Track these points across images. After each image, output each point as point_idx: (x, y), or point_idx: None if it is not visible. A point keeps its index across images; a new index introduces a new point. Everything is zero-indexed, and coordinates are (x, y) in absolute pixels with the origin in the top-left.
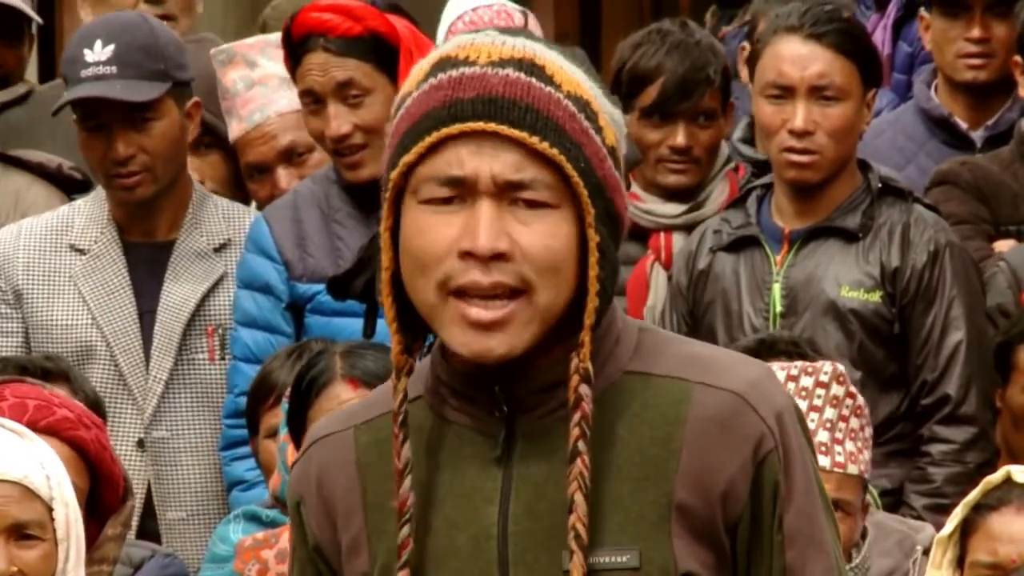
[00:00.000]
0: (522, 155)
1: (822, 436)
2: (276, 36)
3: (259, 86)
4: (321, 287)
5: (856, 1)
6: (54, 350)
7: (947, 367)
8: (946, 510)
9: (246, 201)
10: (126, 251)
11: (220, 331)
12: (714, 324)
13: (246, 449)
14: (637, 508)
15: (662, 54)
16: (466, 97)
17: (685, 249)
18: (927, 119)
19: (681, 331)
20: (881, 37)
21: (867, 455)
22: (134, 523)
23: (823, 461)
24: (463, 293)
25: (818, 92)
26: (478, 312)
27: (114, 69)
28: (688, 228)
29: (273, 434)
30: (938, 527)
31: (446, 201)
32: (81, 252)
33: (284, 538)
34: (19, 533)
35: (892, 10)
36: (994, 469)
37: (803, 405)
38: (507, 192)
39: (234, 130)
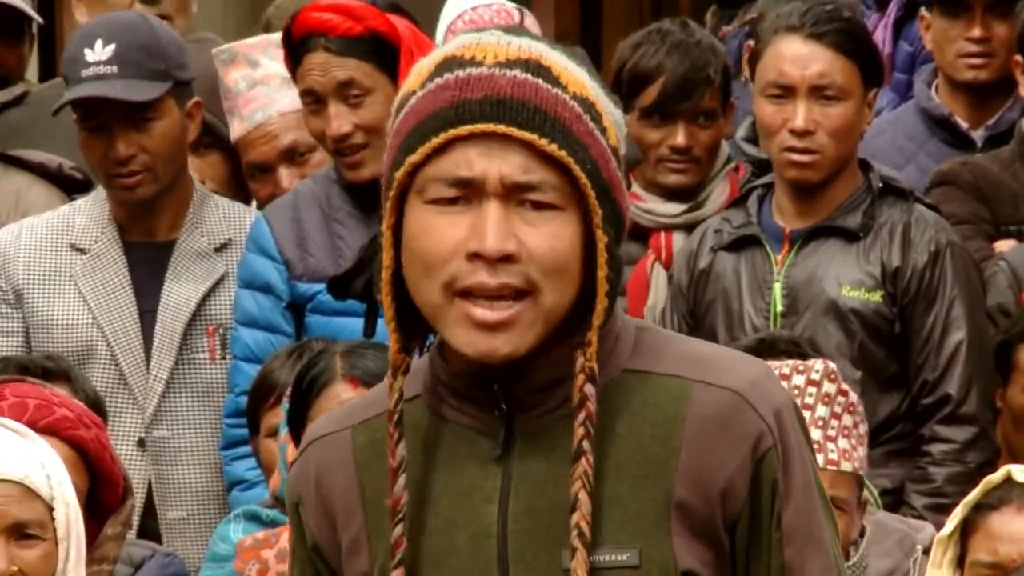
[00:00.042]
0: (529, 157)
1: (815, 434)
2: (278, 36)
3: (261, 86)
4: (321, 287)
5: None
6: (55, 350)
7: (948, 367)
8: (946, 510)
9: (246, 201)
10: (127, 251)
11: (221, 331)
12: (715, 324)
13: (246, 449)
14: (636, 506)
15: (662, 54)
16: (474, 98)
17: (686, 249)
18: (927, 119)
19: (682, 330)
20: (882, 36)
21: (862, 452)
22: (134, 522)
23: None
24: (468, 294)
25: (819, 92)
26: (483, 312)
27: (115, 69)
28: (688, 228)
29: (274, 434)
30: (938, 527)
31: (452, 201)
32: (82, 252)
33: (284, 538)
34: (19, 533)
35: (893, 9)
36: (994, 469)
37: None
38: (514, 193)
39: (236, 130)
